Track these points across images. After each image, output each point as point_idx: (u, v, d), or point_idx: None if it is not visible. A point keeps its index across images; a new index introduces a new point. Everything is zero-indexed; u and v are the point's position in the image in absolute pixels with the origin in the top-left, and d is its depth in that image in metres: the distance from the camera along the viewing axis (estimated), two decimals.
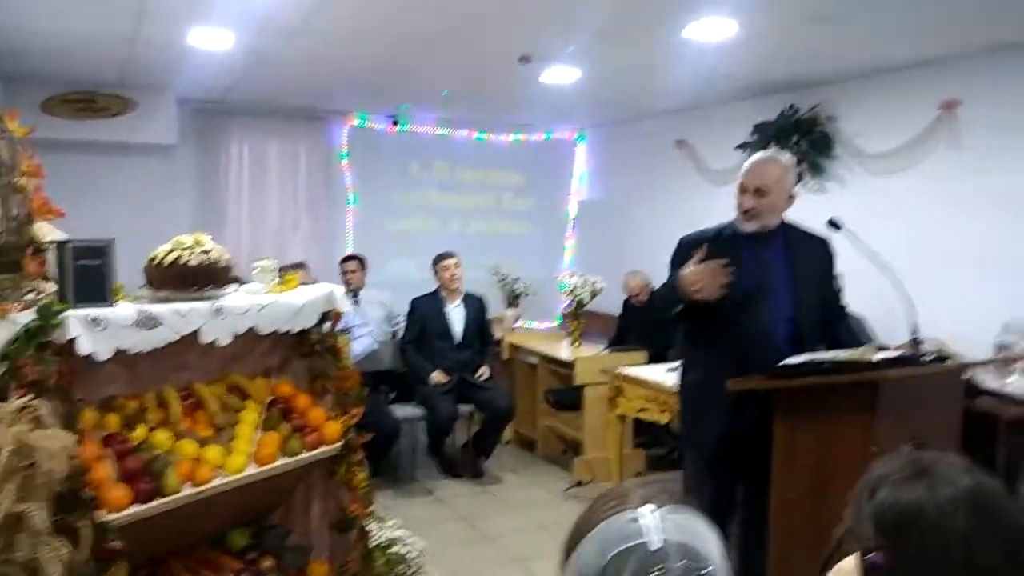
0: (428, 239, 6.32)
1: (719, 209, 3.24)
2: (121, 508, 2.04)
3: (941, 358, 2.46)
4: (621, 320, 5.70)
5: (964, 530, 0.98)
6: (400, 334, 5.41)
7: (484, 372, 5.17)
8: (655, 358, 4.89)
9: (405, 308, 5.36)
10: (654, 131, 6.11)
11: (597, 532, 0.93)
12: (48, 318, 2.03)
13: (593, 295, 5.35)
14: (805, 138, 4.66)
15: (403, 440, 5.14)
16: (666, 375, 4.09)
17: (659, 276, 5.27)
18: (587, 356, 5.09)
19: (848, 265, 2.87)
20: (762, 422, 2.51)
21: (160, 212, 5.27)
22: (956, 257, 3.95)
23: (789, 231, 2.73)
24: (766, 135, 4.89)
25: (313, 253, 5.81)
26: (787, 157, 2.79)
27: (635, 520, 0.91)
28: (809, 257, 2.71)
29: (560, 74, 4.58)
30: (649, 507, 0.92)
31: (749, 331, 2.62)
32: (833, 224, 2.72)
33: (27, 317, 2.03)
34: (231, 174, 5.81)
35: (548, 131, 6.96)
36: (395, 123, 6.35)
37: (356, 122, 6.23)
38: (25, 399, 1.85)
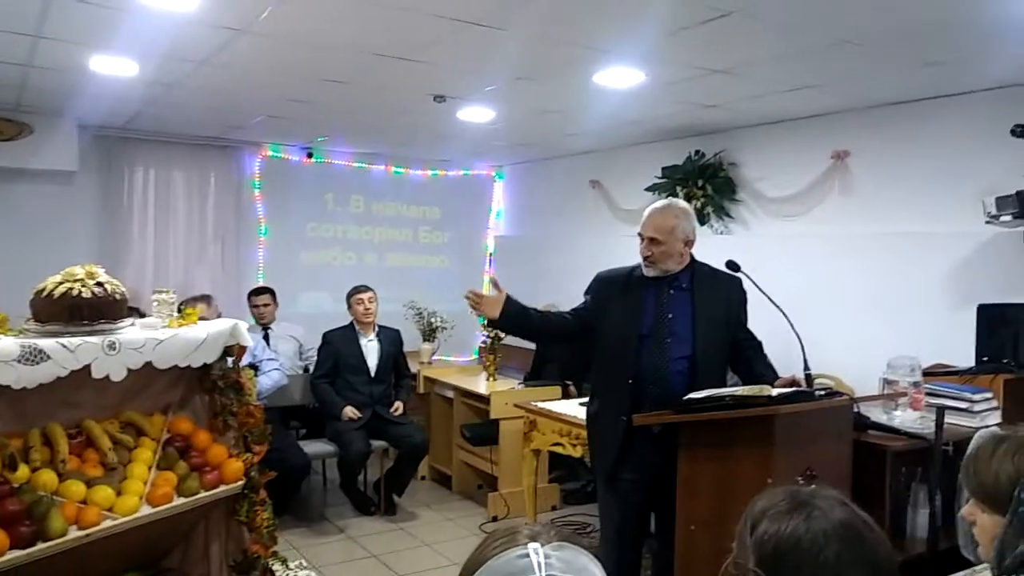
0: (343, 272, 6.26)
1: (631, 247, 3.35)
2: None
3: (833, 393, 2.58)
4: (536, 353, 5.75)
5: (834, 560, 1.04)
6: (311, 368, 5.30)
7: (398, 407, 5.12)
8: (573, 392, 4.94)
9: (317, 342, 5.27)
10: (569, 170, 6.26)
11: (485, 569, 0.93)
12: None
13: None
14: (710, 182, 4.86)
15: (314, 477, 5.01)
16: (579, 409, 4.13)
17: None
18: (502, 390, 5.10)
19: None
20: (664, 456, 2.58)
21: (58, 241, 5.05)
22: (846, 297, 4.17)
23: (697, 272, 2.84)
24: (673, 178, 5.08)
25: (221, 285, 5.67)
26: (683, 205, 2.93)
27: (523, 556, 0.92)
28: (715, 297, 2.82)
29: (476, 113, 4.65)
30: (536, 544, 0.93)
31: (645, 368, 2.74)
32: (731, 266, 2.84)
33: None
34: (135, 203, 5.62)
35: (466, 168, 7.03)
36: (310, 155, 6.30)
37: (269, 153, 6.15)
38: None
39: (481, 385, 5.37)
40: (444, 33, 3.03)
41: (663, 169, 5.16)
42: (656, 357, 2.73)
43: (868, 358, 3.77)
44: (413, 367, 5.68)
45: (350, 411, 4.92)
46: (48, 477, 2.18)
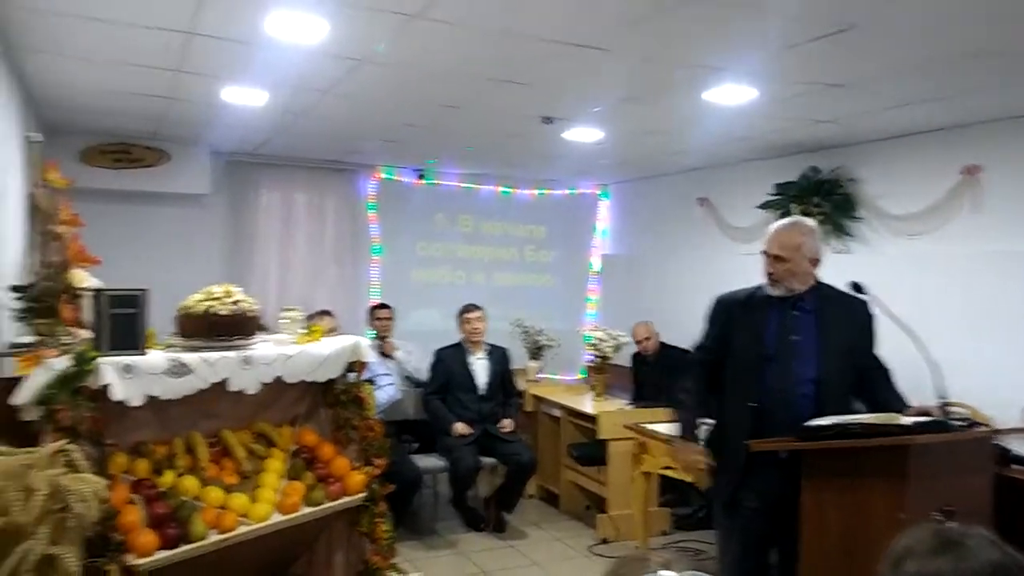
0: (452, 290, 6.40)
1: (741, 266, 3.28)
2: (149, 553, 2.07)
3: (971, 423, 2.43)
4: (634, 374, 5.69)
5: None
6: (423, 384, 5.43)
7: (507, 424, 5.16)
8: None
9: (427, 358, 5.40)
10: (676, 188, 6.19)
11: None
12: (83, 364, 2.09)
13: (617, 349, 5.34)
14: (827, 199, 4.69)
15: (425, 491, 5.11)
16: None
17: (680, 330, 5.29)
18: (611, 411, 5.06)
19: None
20: (788, 484, 2.49)
21: (192, 260, 5.40)
22: (982, 320, 3.91)
23: (823, 293, 2.74)
24: (787, 195, 4.93)
25: (338, 302, 5.88)
26: (809, 223, 2.82)
27: None
28: (841, 320, 2.71)
29: (583, 134, 4.68)
30: (669, 573, 0.93)
31: (768, 392, 2.64)
32: (856, 287, 2.72)
33: (63, 363, 2.09)
34: (260, 224, 5.95)
35: (572, 187, 7.06)
36: (421, 177, 6.49)
37: (383, 175, 6.38)
38: (59, 443, 1.89)
39: (588, 405, 5.35)
40: (554, 56, 3.08)
41: (777, 186, 5.02)
42: (781, 380, 2.64)
43: (1006, 387, 3.54)
44: (520, 385, 5.72)
45: (461, 427, 5.00)
46: (191, 483, 2.34)
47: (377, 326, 5.43)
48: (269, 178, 5.97)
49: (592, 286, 7.12)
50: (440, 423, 5.09)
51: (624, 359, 5.62)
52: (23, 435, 2.00)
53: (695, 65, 3.18)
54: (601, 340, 5.33)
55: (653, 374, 5.44)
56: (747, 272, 2.96)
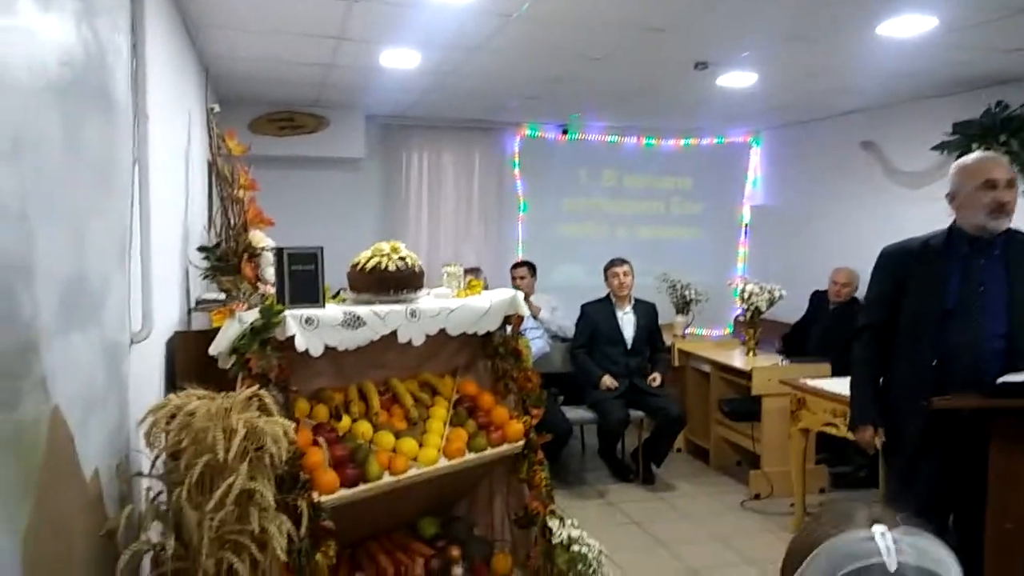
0: (596, 245, 6.36)
1: (908, 214, 3.04)
2: (332, 491, 2.23)
3: None
4: (803, 326, 5.44)
5: None
6: (567, 333, 5.48)
7: (656, 378, 5.13)
8: (841, 369, 4.62)
9: (572, 313, 5.43)
10: (836, 132, 5.80)
11: (825, 549, 0.90)
12: (270, 317, 2.25)
13: (771, 303, 5.14)
14: (1015, 137, 4.24)
15: (573, 442, 5.18)
16: None
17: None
18: (765, 366, 4.90)
19: None
20: (971, 447, 2.32)
21: (349, 221, 5.68)
22: None
23: (1012, 239, 2.51)
24: (967, 134, 4.50)
25: (484, 260, 6.02)
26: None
27: (868, 539, 0.87)
28: None
29: (737, 79, 4.46)
30: (881, 527, 0.88)
31: (953, 347, 2.45)
32: None
33: (252, 316, 2.26)
34: (411, 185, 6.16)
35: (720, 135, 6.79)
36: (564, 132, 6.45)
37: (527, 132, 6.39)
38: (253, 389, 2.05)
39: (740, 360, 5.20)
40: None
41: (955, 125, 4.59)
42: (966, 335, 2.44)
43: None
44: (667, 340, 5.65)
45: (608, 380, 5.02)
46: (365, 428, 2.49)
47: (516, 284, 5.51)
48: (418, 140, 6.15)
49: (742, 239, 6.87)
50: (587, 377, 5.12)
51: (777, 313, 5.39)
52: (218, 382, 2.19)
53: None
54: (753, 293, 5.14)
55: (826, 324, 5.19)
56: (917, 220, 2.74)
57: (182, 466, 1.80)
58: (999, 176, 2.45)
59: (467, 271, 4.99)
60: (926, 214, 2.66)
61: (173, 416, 1.82)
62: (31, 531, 1.18)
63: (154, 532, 1.86)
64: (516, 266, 5.66)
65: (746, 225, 6.86)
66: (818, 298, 5.42)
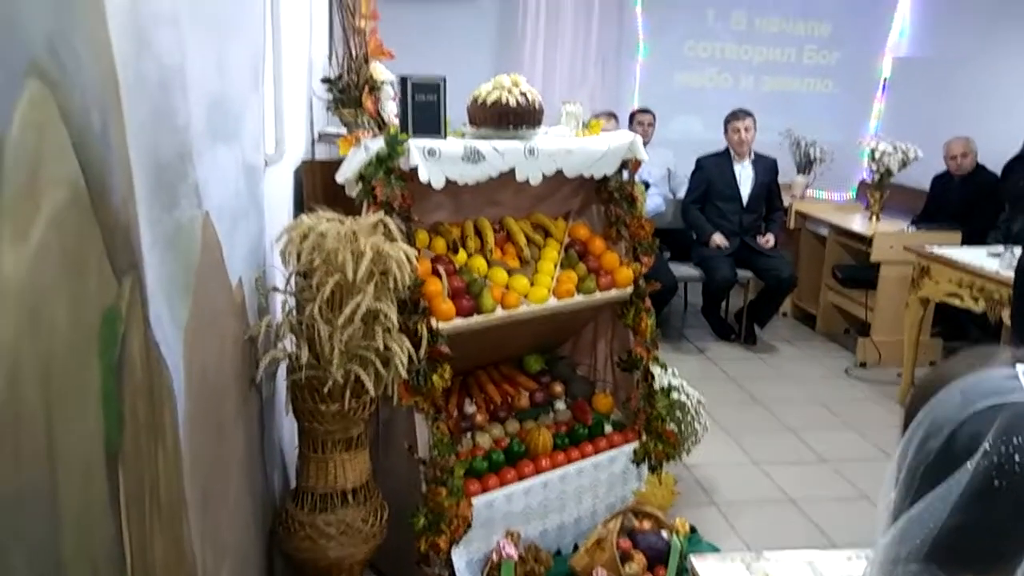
0: (717, 96, 6.02)
1: None
2: (448, 319, 2.33)
3: None
4: (931, 194, 5.11)
5: None
6: (679, 193, 5.34)
7: (769, 240, 4.98)
8: (970, 240, 4.36)
9: (686, 168, 5.26)
10: None
11: (962, 383, 0.87)
12: (394, 146, 2.28)
13: (904, 164, 4.80)
14: None
15: (677, 299, 5.18)
16: (987, 259, 3.65)
17: (990, 151, 4.61)
18: (889, 232, 4.66)
19: None
20: None
21: (465, 58, 5.54)
22: None
23: None
24: None
25: (600, 104, 5.82)
26: None
27: (1012, 377, 0.84)
28: None
29: None
30: None
31: None
32: None
33: (377, 144, 2.29)
34: (528, 21, 5.90)
35: None
36: None
37: None
38: (378, 215, 2.12)
39: (861, 224, 4.97)
40: None
41: None
42: None
43: None
44: (785, 200, 5.43)
45: (719, 238, 4.92)
46: (479, 263, 2.55)
47: (637, 131, 5.33)
48: None
49: (879, 94, 6.34)
50: (698, 233, 5.03)
51: (908, 178, 5.05)
52: (345, 209, 2.27)
53: None
54: (887, 153, 4.80)
55: (953, 197, 4.87)
56: None
57: (314, 284, 1.91)
58: None
59: (604, 114, 4.89)
60: None
61: (305, 236, 1.91)
62: (190, 326, 1.29)
63: (289, 342, 2.02)
64: (640, 112, 5.47)
65: (885, 79, 6.31)
66: (939, 181, 5.03)
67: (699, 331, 5.19)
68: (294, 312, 1.99)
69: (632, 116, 5.46)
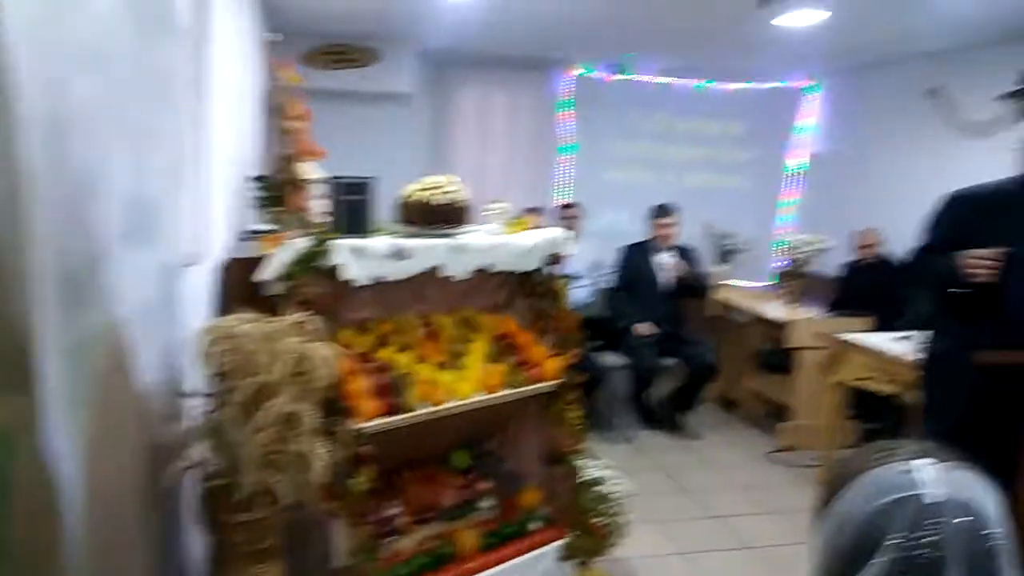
0: (642, 190, 6.27)
1: (973, 164, 2.93)
2: (371, 418, 2.29)
3: None
4: (843, 282, 5.38)
5: None
6: (606, 283, 5.47)
7: (681, 264, 5.10)
8: (880, 326, 4.57)
9: (613, 257, 5.41)
10: (900, 79, 5.57)
11: (865, 478, 0.90)
12: (320, 245, 2.28)
13: (817, 254, 5.05)
14: None
15: (604, 388, 5.23)
16: (895, 344, 3.82)
17: (896, 238, 4.89)
18: (804, 318, 4.85)
19: None
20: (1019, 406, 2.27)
21: (397, 157, 5.65)
22: None
23: None
24: None
25: (531, 200, 5.97)
26: None
27: (910, 471, 0.88)
28: None
29: (801, 17, 4.29)
30: (925, 460, 0.89)
31: (1016, 301, 2.36)
32: None
33: (301, 244, 2.29)
34: (459, 122, 6.12)
35: (776, 79, 6.57)
36: (617, 73, 6.31)
37: (579, 71, 6.26)
38: (300, 315, 2.09)
39: (778, 312, 5.16)
40: None
41: (1022, 73, 4.39)
42: None
43: None
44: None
45: (644, 327, 5.02)
46: (405, 359, 2.53)
47: (563, 224, 5.48)
48: (469, 77, 6.08)
49: (789, 189, 6.72)
50: (624, 321, 5.13)
51: (821, 266, 5.31)
52: (266, 308, 2.24)
53: None
54: (801, 245, 5.05)
55: (863, 285, 5.13)
56: (981, 172, 2.64)
57: (229, 387, 1.86)
58: None
59: (529, 210, 5.01)
60: (990, 165, 2.55)
61: (223, 337, 1.87)
62: (91, 437, 1.24)
63: (200, 449, 1.95)
64: (568, 206, 5.63)
65: (798, 174, 6.70)
66: (851, 269, 5.34)
67: (628, 419, 5.22)
68: (207, 417, 1.93)
69: (560, 210, 5.62)
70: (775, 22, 4.35)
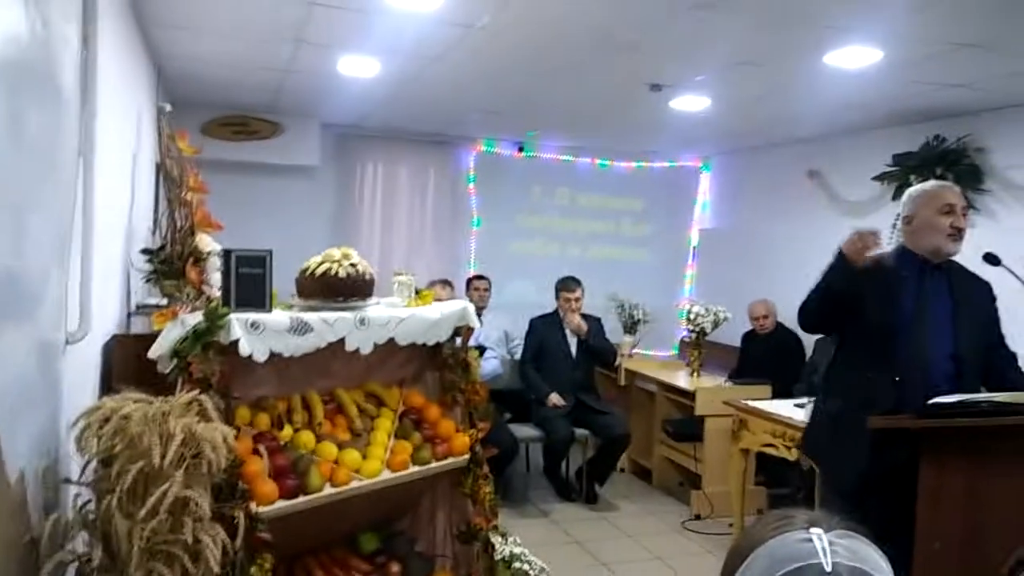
0: (547, 263, 6.41)
1: None
2: (270, 502, 2.17)
3: None
4: (742, 352, 5.57)
5: None
6: (516, 355, 5.48)
7: (582, 324, 5.13)
8: (779, 393, 4.73)
9: (522, 330, 5.44)
10: (783, 160, 5.97)
11: (765, 549, 0.91)
12: (214, 320, 2.19)
13: (716, 324, 5.23)
14: (951, 170, 4.42)
15: (518, 461, 5.17)
16: (794, 410, 3.95)
17: (782, 308, 5.12)
18: (709, 387, 4.98)
19: (1001, 302, 2.69)
20: (911, 466, 2.37)
21: (301, 230, 5.59)
22: None
23: (952, 267, 2.61)
24: (907, 166, 4.68)
25: (437, 273, 5.98)
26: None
27: (807, 540, 0.89)
28: (973, 297, 2.58)
29: (690, 102, 4.56)
30: (818, 529, 0.90)
31: (906, 364, 2.49)
32: (990, 259, 2.57)
33: (195, 319, 2.20)
34: (365, 195, 6.13)
35: (672, 159, 6.92)
36: (520, 150, 6.50)
37: (483, 148, 6.42)
38: (192, 394, 1.99)
39: (684, 380, 5.28)
40: (669, 19, 3.00)
41: (895, 156, 4.77)
42: (919, 355, 2.49)
43: None
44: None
45: (555, 398, 5.03)
46: (307, 438, 2.43)
47: (473, 296, 5.50)
48: (374, 151, 6.14)
49: (689, 261, 6.99)
50: (536, 392, 5.13)
51: (722, 336, 5.50)
52: (156, 386, 2.12)
53: (821, 25, 3.03)
54: (700, 315, 5.23)
55: (761, 354, 5.33)
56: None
57: (114, 472, 1.73)
58: (957, 202, 2.56)
59: (439, 282, 5.02)
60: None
61: (107, 420, 1.75)
62: None
63: (80, 542, 1.79)
64: (477, 278, 5.66)
65: (694, 248, 6.99)
66: (748, 339, 5.57)
67: (542, 492, 5.17)
68: (89, 506, 1.78)
69: (468, 282, 5.65)
70: (671, 104, 4.60)
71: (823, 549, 0.88)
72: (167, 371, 2.17)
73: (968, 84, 3.83)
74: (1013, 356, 2.64)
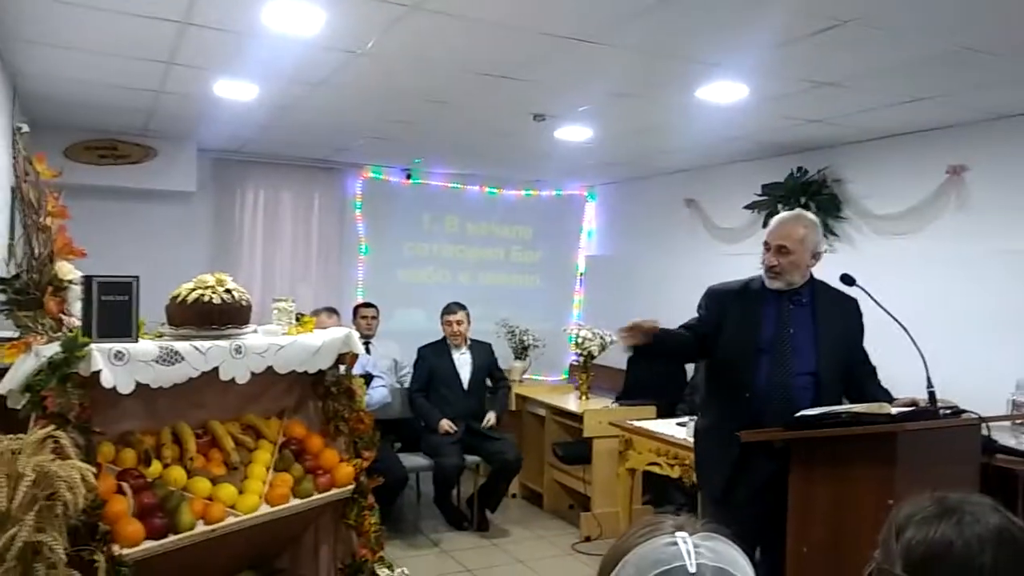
0: (437, 290, 6.37)
1: (726, 266, 3.30)
2: (135, 543, 2.04)
3: (958, 412, 2.47)
4: (627, 374, 5.71)
5: (991, 566, 0.99)
6: (406, 383, 5.42)
7: (490, 419, 5.15)
8: (664, 413, 4.88)
9: (412, 358, 5.38)
10: (663, 189, 6.22)
11: (633, 556, 0.93)
12: (72, 351, 2.06)
13: (603, 348, 5.35)
14: (813, 199, 4.73)
15: (408, 490, 5.08)
16: (676, 428, 4.08)
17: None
18: (596, 409, 5.07)
19: None
20: (779, 478, 2.50)
21: (177, 256, 5.34)
22: (966, 317, 3.96)
23: (817, 288, 2.77)
24: (774, 195, 4.97)
25: (323, 301, 5.84)
26: (812, 216, 2.84)
27: (672, 544, 0.92)
28: (836, 315, 2.74)
29: (573, 132, 4.69)
30: (683, 533, 0.93)
31: (767, 383, 2.64)
32: (846, 279, 2.75)
33: (51, 350, 2.06)
34: (246, 222, 5.92)
35: (559, 188, 7.08)
36: (408, 177, 6.48)
37: (370, 174, 6.36)
38: (47, 430, 1.86)
39: (573, 403, 5.36)
40: (550, 50, 3.09)
41: (763, 187, 5.06)
42: (777, 373, 2.64)
43: (990, 381, 3.57)
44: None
45: (446, 424, 4.99)
46: (178, 473, 2.31)
47: (361, 325, 5.41)
48: (256, 177, 5.95)
49: (578, 287, 7.15)
50: (426, 420, 5.08)
51: (609, 359, 5.63)
52: (9, 424, 1.97)
53: (691, 60, 3.19)
54: (587, 339, 5.34)
55: (646, 375, 5.46)
56: (733, 273, 2.99)
57: None
58: (770, 240, 2.72)
59: (324, 310, 4.88)
60: (740, 267, 2.90)
61: None
62: None
63: None
64: (365, 306, 5.56)
65: (582, 274, 7.15)
66: (632, 360, 5.71)
67: (433, 522, 5.09)
68: None
69: (356, 310, 5.54)
70: (556, 134, 4.72)
71: (688, 551, 0.91)
72: (19, 407, 2.02)
73: (825, 119, 4.13)
74: (874, 370, 2.83)
